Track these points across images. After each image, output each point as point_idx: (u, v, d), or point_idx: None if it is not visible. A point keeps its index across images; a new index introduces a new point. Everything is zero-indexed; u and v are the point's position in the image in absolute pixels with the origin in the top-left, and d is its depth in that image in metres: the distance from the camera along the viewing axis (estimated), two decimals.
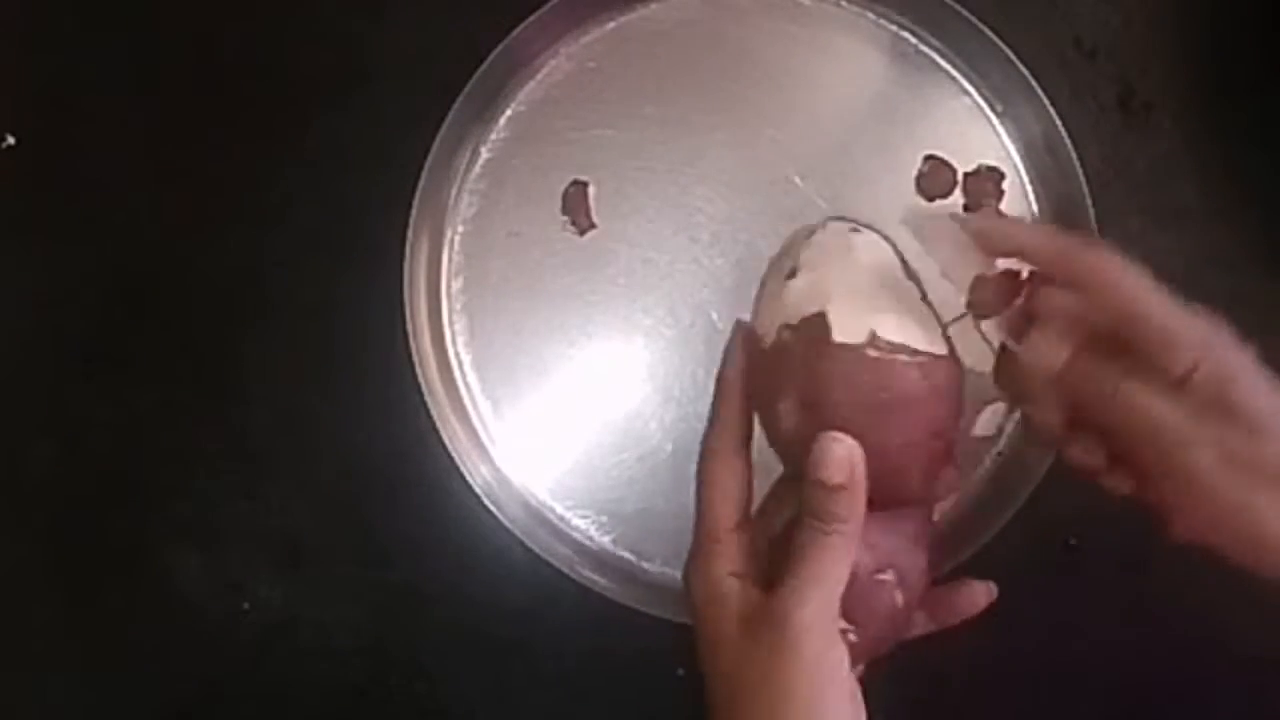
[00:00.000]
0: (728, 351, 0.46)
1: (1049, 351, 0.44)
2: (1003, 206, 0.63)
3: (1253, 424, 0.42)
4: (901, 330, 0.44)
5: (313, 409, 0.64)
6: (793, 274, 0.46)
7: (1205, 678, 0.61)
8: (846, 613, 0.43)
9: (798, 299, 0.45)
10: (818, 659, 0.41)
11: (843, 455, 0.42)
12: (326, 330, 0.63)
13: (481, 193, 0.63)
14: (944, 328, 0.46)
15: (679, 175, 0.63)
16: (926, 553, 0.46)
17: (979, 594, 0.48)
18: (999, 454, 0.62)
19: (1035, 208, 0.63)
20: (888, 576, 0.44)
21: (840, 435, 0.42)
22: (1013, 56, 0.61)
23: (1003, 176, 0.63)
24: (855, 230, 0.47)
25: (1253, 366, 0.43)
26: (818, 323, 0.44)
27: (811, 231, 0.48)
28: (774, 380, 0.45)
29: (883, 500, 0.43)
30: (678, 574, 0.61)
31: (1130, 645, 0.61)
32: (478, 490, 0.60)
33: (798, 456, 0.44)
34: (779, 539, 0.44)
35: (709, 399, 0.61)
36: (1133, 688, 0.62)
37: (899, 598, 0.45)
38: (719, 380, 0.46)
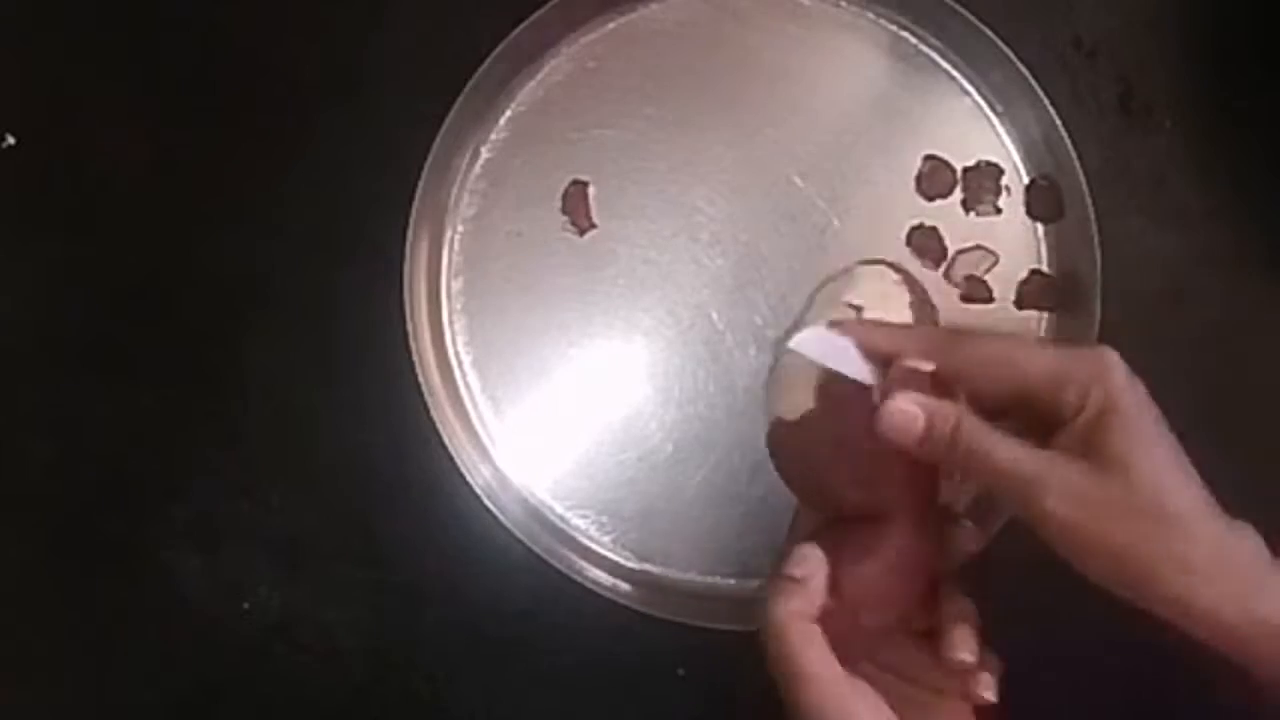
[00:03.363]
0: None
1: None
2: (1002, 206, 0.63)
3: (1115, 461, 0.42)
4: None
5: (313, 409, 0.64)
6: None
7: (1206, 678, 0.61)
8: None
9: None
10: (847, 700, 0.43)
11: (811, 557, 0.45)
12: (326, 330, 0.63)
13: (481, 193, 0.63)
14: None
15: (679, 175, 0.63)
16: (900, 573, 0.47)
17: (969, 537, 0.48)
18: None
19: (1035, 208, 0.63)
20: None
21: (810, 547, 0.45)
22: (1013, 56, 0.61)
23: (1001, 172, 0.63)
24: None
25: (1137, 399, 0.43)
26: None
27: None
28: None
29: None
30: (678, 574, 0.61)
31: (1130, 645, 0.61)
32: (478, 490, 0.60)
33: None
34: None
35: (709, 399, 0.62)
36: (1133, 688, 0.62)
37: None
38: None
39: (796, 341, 0.48)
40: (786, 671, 0.44)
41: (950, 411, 0.44)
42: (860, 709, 0.43)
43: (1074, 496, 0.42)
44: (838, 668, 0.44)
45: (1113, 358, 0.44)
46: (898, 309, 0.50)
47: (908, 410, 0.44)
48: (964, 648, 0.46)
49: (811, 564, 0.45)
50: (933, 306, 0.51)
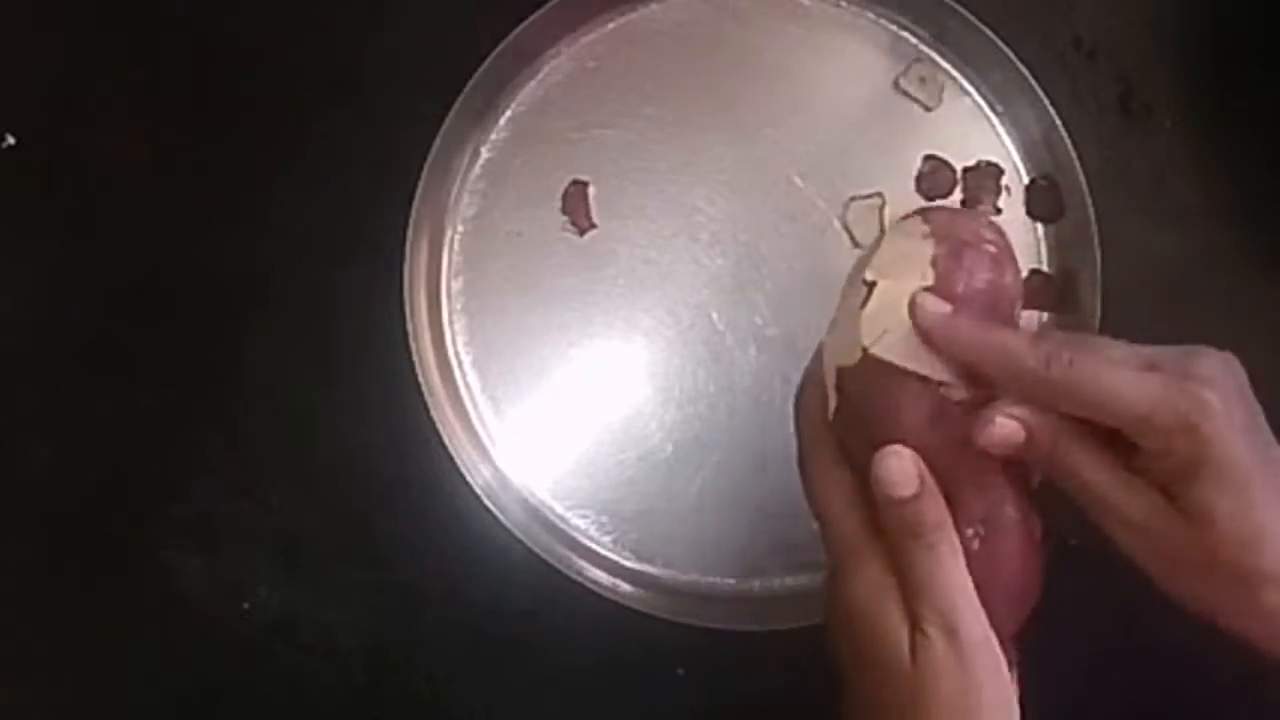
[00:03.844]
0: (806, 384, 0.45)
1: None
2: (1002, 205, 0.63)
3: (1198, 513, 0.40)
4: None
5: (313, 409, 0.64)
6: (870, 286, 0.43)
7: (1207, 679, 0.61)
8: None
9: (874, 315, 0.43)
10: (995, 671, 0.41)
11: (903, 466, 0.42)
12: (326, 330, 0.63)
13: (481, 193, 0.63)
14: None
15: (679, 175, 0.63)
16: (1019, 508, 0.44)
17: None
18: None
19: (1035, 208, 0.63)
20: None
21: (894, 448, 0.42)
22: (1013, 56, 0.61)
23: (1001, 172, 0.63)
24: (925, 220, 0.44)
25: (1232, 443, 0.40)
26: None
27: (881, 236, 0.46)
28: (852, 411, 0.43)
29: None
30: (678, 574, 0.61)
31: (1131, 646, 0.61)
32: (478, 490, 0.60)
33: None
34: None
35: (709, 399, 0.62)
36: (1134, 688, 0.62)
37: (1014, 560, 0.43)
38: (797, 407, 0.45)
39: (881, 348, 0.42)
40: (962, 612, 0.41)
41: (1050, 426, 0.42)
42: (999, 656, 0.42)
43: (1151, 538, 0.41)
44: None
45: (1208, 400, 0.40)
46: (918, 268, 0.43)
47: (1008, 425, 0.42)
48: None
49: (943, 507, 0.42)
50: (988, 247, 0.44)
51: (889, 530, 0.42)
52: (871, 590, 0.42)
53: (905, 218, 0.45)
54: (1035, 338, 0.43)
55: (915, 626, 0.41)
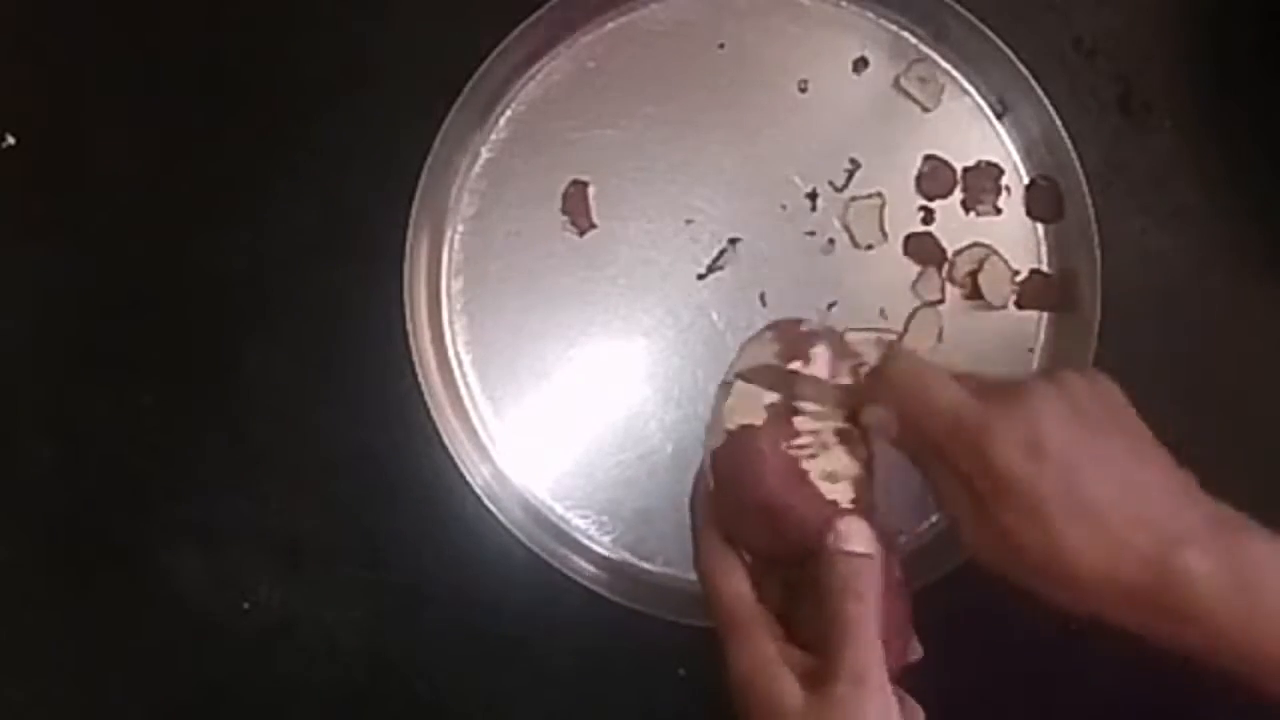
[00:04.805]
0: (696, 479, 0.49)
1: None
2: (1002, 205, 0.63)
3: (1005, 534, 0.43)
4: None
5: (313, 409, 0.64)
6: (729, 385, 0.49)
7: (1207, 679, 0.61)
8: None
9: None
10: (884, 711, 0.42)
11: (863, 528, 0.45)
12: (326, 330, 0.63)
13: (481, 193, 0.63)
14: None
15: (679, 175, 0.63)
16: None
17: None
18: None
19: (1035, 208, 0.63)
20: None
21: (855, 516, 0.45)
22: (1013, 56, 0.61)
23: (1001, 172, 0.63)
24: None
25: (1019, 480, 0.43)
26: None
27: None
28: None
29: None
30: (678, 574, 0.61)
31: (1130, 647, 0.61)
32: (478, 490, 0.60)
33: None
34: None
35: (708, 399, 0.61)
36: (1134, 689, 0.62)
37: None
38: (691, 503, 0.49)
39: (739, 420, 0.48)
40: (853, 638, 0.43)
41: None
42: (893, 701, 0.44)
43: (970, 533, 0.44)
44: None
45: (997, 430, 0.43)
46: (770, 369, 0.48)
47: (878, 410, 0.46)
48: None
49: (872, 535, 0.45)
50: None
51: (831, 587, 0.44)
52: (760, 660, 0.44)
53: (759, 332, 0.50)
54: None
55: (821, 682, 0.43)
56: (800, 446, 0.46)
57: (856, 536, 0.44)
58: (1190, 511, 0.43)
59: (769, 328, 0.49)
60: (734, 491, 0.47)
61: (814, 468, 0.46)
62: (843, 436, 0.47)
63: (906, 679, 0.46)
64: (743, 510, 0.46)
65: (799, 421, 0.47)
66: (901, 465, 0.47)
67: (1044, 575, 0.43)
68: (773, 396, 0.47)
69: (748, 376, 0.48)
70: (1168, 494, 0.43)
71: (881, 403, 0.46)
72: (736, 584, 0.46)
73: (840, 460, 0.46)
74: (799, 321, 0.49)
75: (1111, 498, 0.42)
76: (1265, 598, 0.41)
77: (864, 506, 0.46)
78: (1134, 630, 0.43)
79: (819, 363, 0.48)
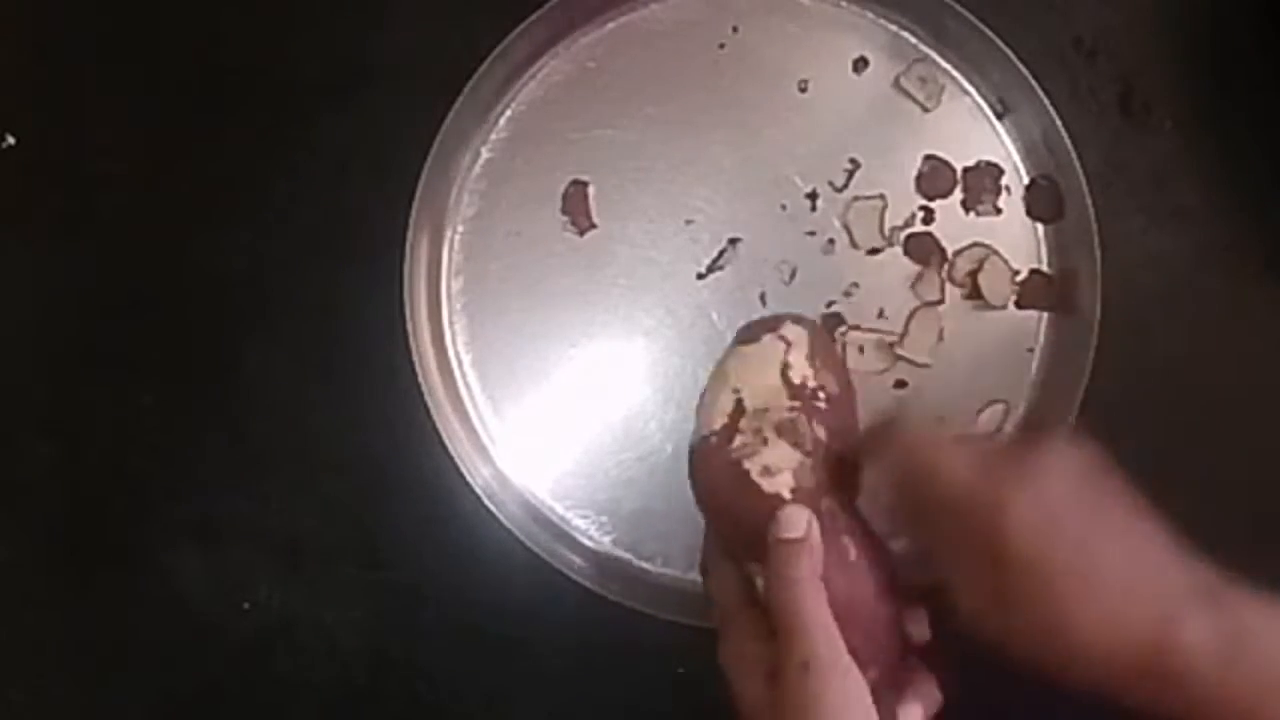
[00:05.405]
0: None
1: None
2: (1002, 205, 0.63)
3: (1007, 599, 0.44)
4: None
5: (313, 409, 0.64)
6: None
7: None
8: (853, 651, 0.44)
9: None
10: (842, 692, 0.43)
11: (797, 515, 0.46)
12: (326, 330, 0.63)
13: (481, 193, 0.63)
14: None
15: (679, 175, 0.63)
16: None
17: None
18: None
19: (1035, 208, 0.63)
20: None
21: (797, 505, 0.46)
22: (1013, 56, 0.61)
23: (1001, 172, 0.63)
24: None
25: (1026, 546, 0.43)
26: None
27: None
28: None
29: None
30: (677, 574, 0.61)
31: None
32: (478, 490, 0.60)
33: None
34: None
35: None
36: None
37: (880, 632, 0.46)
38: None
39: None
40: (795, 623, 0.44)
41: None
42: (855, 673, 0.44)
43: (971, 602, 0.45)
44: (835, 626, 0.45)
45: (1007, 499, 0.43)
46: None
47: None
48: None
49: (806, 523, 0.46)
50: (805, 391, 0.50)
51: (771, 571, 0.45)
52: (733, 658, 0.46)
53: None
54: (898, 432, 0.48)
55: (775, 673, 0.44)
56: (740, 447, 0.47)
57: (789, 523, 0.45)
58: (1184, 581, 0.43)
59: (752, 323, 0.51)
60: (700, 501, 0.49)
61: (754, 465, 0.47)
62: (781, 428, 0.47)
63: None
64: (713, 516, 0.49)
65: (742, 422, 0.48)
66: None
67: (1045, 644, 0.43)
68: (729, 402, 0.49)
69: (716, 373, 0.50)
70: (1163, 565, 0.44)
71: (884, 464, 0.47)
72: (719, 583, 0.48)
73: (777, 452, 0.47)
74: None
75: (1116, 572, 0.43)
76: (1258, 667, 0.41)
77: (805, 493, 0.46)
78: (1131, 703, 0.42)
79: (798, 346, 0.49)
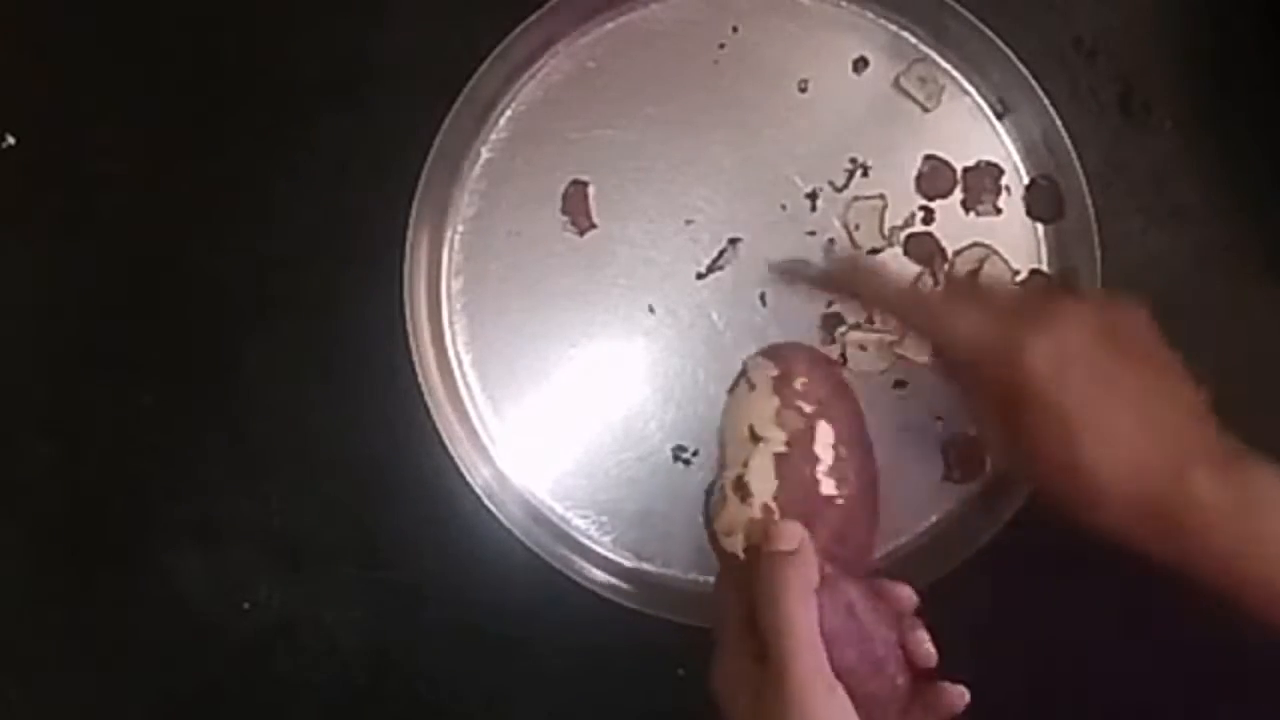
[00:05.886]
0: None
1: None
2: (1002, 205, 0.63)
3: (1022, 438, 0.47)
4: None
5: (313, 409, 0.64)
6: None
7: (1207, 679, 0.61)
8: (838, 674, 0.44)
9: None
10: (825, 707, 0.44)
11: (793, 531, 0.46)
12: (326, 330, 0.63)
13: (481, 193, 0.63)
14: None
15: (679, 175, 0.63)
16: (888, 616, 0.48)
17: (955, 696, 0.48)
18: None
19: (1035, 208, 0.63)
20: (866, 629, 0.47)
21: (794, 523, 0.47)
22: (1013, 56, 0.61)
23: (1001, 172, 0.63)
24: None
25: (1044, 388, 0.46)
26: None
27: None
28: None
29: None
30: (678, 574, 0.61)
31: (1131, 646, 0.61)
32: (478, 490, 0.60)
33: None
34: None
35: (708, 400, 0.62)
36: (1135, 690, 0.62)
37: (879, 649, 0.46)
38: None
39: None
40: (782, 641, 0.44)
41: None
42: (840, 692, 0.45)
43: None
44: (822, 645, 0.45)
45: (1029, 344, 0.45)
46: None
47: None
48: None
49: (800, 536, 0.46)
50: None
51: (761, 586, 0.46)
52: (720, 678, 0.47)
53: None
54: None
55: (764, 683, 0.44)
56: (716, 502, 0.48)
57: (781, 537, 0.46)
58: (1203, 439, 0.46)
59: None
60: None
61: (719, 525, 0.48)
62: (737, 484, 0.47)
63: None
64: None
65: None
66: (895, 468, 0.48)
67: (1066, 485, 0.45)
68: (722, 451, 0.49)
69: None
70: (1184, 421, 0.46)
71: (910, 324, 0.52)
72: (718, 609, 0.49)
73: (730, 510, 0.47)
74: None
75: (1132, 416, 0.45)
76: (1263, 522, 0.44)
77: (755, 551, 0.47)
78: (1143, 547, 0.45)
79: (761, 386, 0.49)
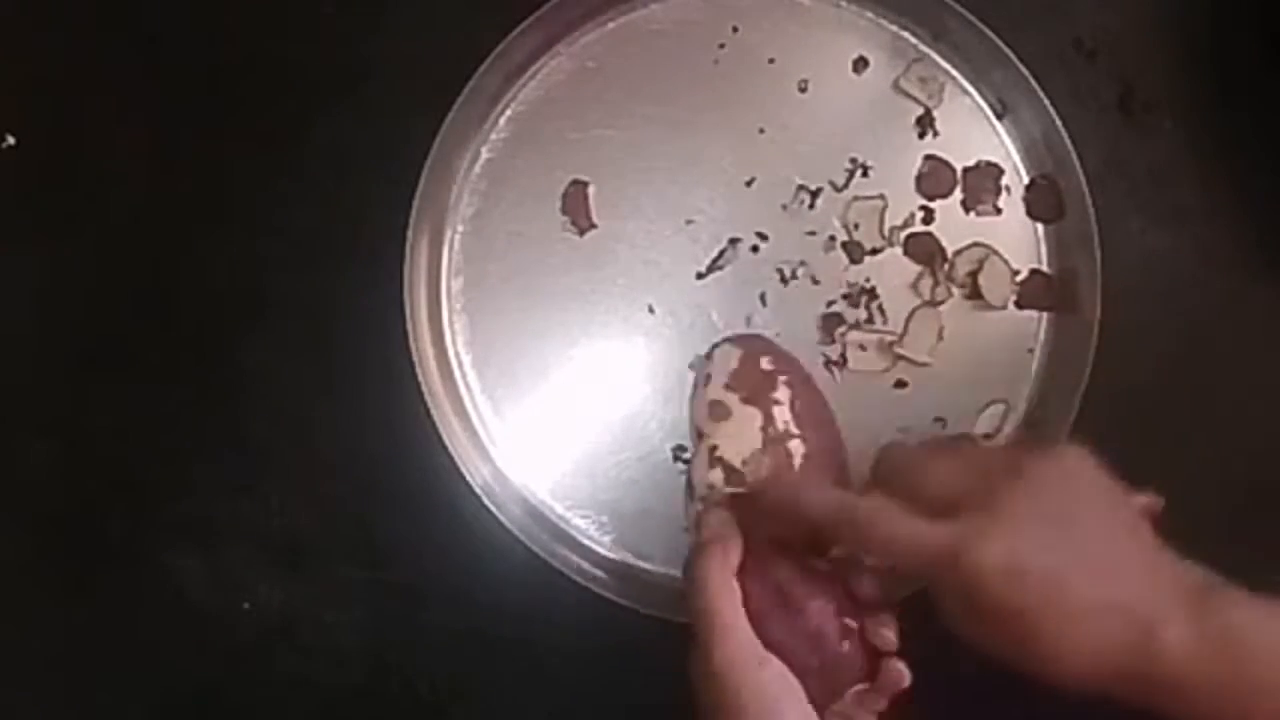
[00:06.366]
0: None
1: None
2: (1002, 205, 0.63)
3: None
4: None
5: (313, 409, 0.64)
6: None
7: None
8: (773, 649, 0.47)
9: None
10: (759, 683, 0.46)
11: (715, 516, 0.51)
12: (326, 330, 0.63)
13: (481, 193, 0.63)
14: None
15: (679, 175, 0.63)
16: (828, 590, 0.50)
17: (894, 673, 0.49)
18: None
19: (1035, 208, 0.63)
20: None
21: (717, 507, 0.53)
22: (1013, 56, 0.61)
23: (1001, 172, 0.63)
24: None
25: (991, 587, 0.44)
26: None
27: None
28: None
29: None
30: (677, 573, 0.61)
31: None
32: (478, 490, 0.60)
33: None
34: None
35: None
36: None
37: (812, 621, 0.49)
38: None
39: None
40: (707, 624, 0.47)
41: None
42: (773, 664, 0.47)
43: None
44: (748, 623, 0.47)
45: (974, 546, 0.44)
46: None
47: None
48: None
49: (723, 524, 0.50)
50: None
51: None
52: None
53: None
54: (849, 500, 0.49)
55: (701, 670, 0.48)
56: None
57: (704, 522, 0.52)
58: (1166, 586, 0.43)
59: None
60: None
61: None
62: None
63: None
64: None
65: None
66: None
67: (1031, 666, 0.44)
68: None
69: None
70: (1143, 571, 0.44)
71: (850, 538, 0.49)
72: (689, 600, 0.50)
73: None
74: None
75: (1090, 592, 0.43)
76: (1246, 664, 0.42)
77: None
78: (1126, 704, 0.43)
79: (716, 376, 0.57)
